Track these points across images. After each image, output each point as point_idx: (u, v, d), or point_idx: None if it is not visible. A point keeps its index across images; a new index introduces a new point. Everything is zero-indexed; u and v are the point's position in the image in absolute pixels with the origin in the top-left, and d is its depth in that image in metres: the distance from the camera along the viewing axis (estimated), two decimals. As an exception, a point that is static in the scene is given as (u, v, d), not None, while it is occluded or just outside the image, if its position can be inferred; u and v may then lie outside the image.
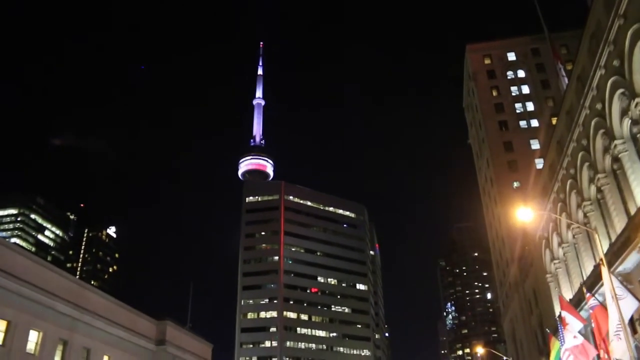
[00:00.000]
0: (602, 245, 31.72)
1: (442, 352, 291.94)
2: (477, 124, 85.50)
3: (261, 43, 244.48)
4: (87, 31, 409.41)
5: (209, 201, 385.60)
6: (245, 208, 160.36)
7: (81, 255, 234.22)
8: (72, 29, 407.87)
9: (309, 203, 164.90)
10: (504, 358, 61.28)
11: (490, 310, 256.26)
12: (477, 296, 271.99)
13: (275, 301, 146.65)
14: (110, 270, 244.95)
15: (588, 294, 26.40)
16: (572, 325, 28.80)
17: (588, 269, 33.55)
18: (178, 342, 62.83)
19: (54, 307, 42.48)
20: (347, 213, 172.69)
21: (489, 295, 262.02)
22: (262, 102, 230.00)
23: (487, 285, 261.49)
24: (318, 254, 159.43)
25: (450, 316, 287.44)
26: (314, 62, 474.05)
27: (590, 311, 25.93)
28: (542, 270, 47.30)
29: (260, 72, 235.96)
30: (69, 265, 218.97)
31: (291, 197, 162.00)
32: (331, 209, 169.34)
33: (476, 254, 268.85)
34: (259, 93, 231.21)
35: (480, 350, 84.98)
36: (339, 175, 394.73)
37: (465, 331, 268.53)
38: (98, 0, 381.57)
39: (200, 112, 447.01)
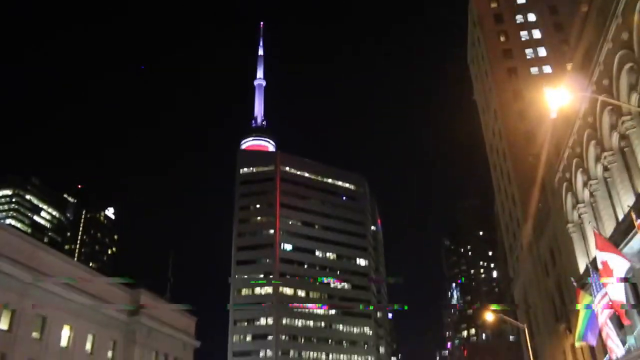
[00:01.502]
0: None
1: (447, 332, 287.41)
2: (483, 75, 78.59)
3: (261, 23, 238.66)
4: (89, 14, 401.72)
5: (210, 185, 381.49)
6: (240, 179, 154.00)
7: (79, 237, 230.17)
8: (73, 19, 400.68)
9: (306, 174, 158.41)
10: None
11: (496, 290, 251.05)
12: (483, 276, 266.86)
13: (270, 276, 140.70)
14: (109, 251, 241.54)
15: (639, 220, 19.91)
16: (617, 266, 22.15)
17: (626, 202, 26.95)
18: (155, 313, 57.55)
19: (-1, 268, 37.75)
20: (347, 184, 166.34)
21: (494, 275, 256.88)
22: (263, 83, 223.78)
23: (492, 265, 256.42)
24: (316, 227, 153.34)
25: (454, 296, 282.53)
26: (312, 21, 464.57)
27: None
28: (561, 221, 40.85)
29: (260, 52, 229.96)
30: (67, 247, 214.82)
31: (287, 168, 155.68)
32: (330, 180, 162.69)
33: (481, 233, 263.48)
34: (259, 73, 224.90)
35: (489, 317, 78.82)
36: (343, 152, 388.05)
37: (470, 311, 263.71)
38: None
39: (200, 94, 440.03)
